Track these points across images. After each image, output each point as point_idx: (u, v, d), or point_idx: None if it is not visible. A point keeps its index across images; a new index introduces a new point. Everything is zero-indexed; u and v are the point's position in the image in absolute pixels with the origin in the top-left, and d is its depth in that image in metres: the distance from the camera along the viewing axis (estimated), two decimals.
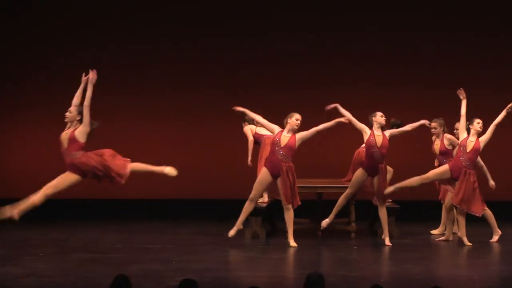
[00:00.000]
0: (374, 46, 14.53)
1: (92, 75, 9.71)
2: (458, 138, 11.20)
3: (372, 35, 14.50)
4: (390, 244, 10.93)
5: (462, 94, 11.08)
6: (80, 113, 9.59)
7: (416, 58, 14.53)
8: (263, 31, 14.60)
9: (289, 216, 10.81)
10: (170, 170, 9.81)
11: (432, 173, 11.18)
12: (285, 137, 10.74)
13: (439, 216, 12.02)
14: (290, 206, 10.77)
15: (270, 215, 12.35)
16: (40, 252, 9.55)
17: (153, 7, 14.76)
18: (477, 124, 11.03)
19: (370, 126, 10.97)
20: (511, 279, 8.67)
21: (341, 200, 11.11)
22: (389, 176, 11.41)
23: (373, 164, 10.94)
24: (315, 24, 14.57)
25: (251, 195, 10.88)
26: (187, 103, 14.71)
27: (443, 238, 11.42)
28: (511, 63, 14.49)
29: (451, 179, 11.11)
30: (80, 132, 9.50)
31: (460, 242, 11.08)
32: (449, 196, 11.44)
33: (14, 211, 9.40)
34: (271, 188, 11.12)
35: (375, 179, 11.00)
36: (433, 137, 11.65)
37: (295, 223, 10.89)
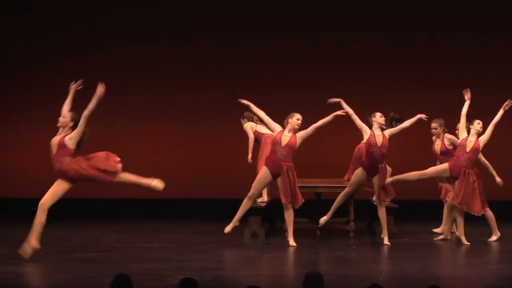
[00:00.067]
0: (374, 46, 14.54)
1: (100, 89, 9.58)
2: (458, 138, 11.24)
3: (372, 35, 14.51)
4: (389, 243, 10.96)
5: (467, 95, 11.13)
6: (74, 119, 9.55)
7: (416, 58, 14.53)
8: (263, 31, 14.61)
9: (289, 215, 10.86)
10: (157, 184, 9.70)
11: (431, 170, 11.22)
12: (286, 136, 10.79)
13: (437, 215, 12.05)
14: (290, 205, 10.81)
15: (269, 215, 12.39)
16: (41, 251, 9.56)
17: (153, 7, 14.77)
18: (477, 124, 11.08)
19: (369, 126, 11.01)
20: (509, 278, 8.68)
21: (339, 198, 11.15)
22: (387, 175, 11.43)
23: (373, 164, 10.98)
24: (315, 24, 14.58)
25: (250, 193, 10.93)
26: (187, 103, 14.72)
27: (441, 237, 11.45)
28: (511, 63, 14.50)
29: (450, 178, 11.15)
30: (70, 139, 9.43)
31: (459, 241, 11.11)
32: (450, 195, 11.53)
33: (32, 242, 9.44)
34: (272, 187, 11.17)
35: (375, 179, 11.04)
36: (434, 138, 11.69)
37: (294, 222, 10.92)
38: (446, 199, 11.59)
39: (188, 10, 14.74)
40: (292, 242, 10.84)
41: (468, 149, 10.97)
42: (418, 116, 11.11)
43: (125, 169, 14.19)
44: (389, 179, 11.07)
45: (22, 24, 14.81)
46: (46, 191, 9.49)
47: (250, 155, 12.06)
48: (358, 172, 11.11)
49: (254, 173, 11.48)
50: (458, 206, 10.95)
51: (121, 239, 11.29)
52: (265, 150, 11.60)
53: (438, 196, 12.01)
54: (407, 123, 11.09)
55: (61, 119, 9.61)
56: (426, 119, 11.16)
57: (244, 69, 14.60)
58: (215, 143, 14.65)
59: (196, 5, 14.77)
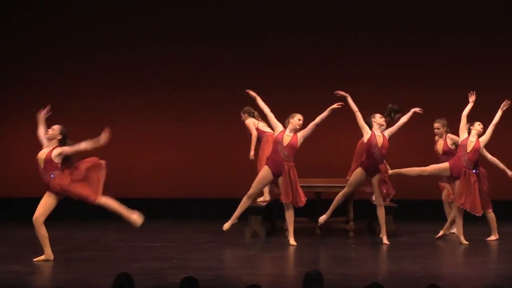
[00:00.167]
0: (374, 46, 14.55)
1: (104, 137, 9.50)
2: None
3: (372, 35, 14.51)
4: (388, 243, 10.98)
5: (472, 97, 11.16)
6: (62, 133, 9.51)
7: (416, 58, 14.54)
8: (263, 31, 14.61)
9: (289, 214, 10.90)
10: (136, 218, 9.57)
11: (431, 167, 11.26)
12: (287, 136, 10.85)
13: (437, 214, 12.06)
14: (291, 205, 10.85)
15: (270, 214, 12.41)
16: (42, 251, 9.57)
17: (153, 7, 14.77)
18: (478, 125, 11.13)
19: (369, 127, 11.03)
20: (509, 277, 8.70)
21: (338, 197, 11.18)
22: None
23: (373, 164, 11.01)
24: (315, 24, 14.59)
25: (250, 192, 10.96)
26: (187, 103, 14.73)
27: (440, 234, 11.48)
28: (511, 63, 14.51)
29: (450, 178, 11.17)
30: (58, 155, 9.41)
31: (458, 240, 11.13)
32: (445, 193, 11.60)
33: (47, 253, 9.49)
34: (274, 186, 11.20)
35: (374, 179, 11.07)
36: (436, 137, 11.72)
37: (294, 222, 10.95)
38: (452, 197, 11.49)
39: (188, 10, 14.75)
40: (292, 241, 10.87)
41: (469, 149, 11.00)
42: (413, 110, 11.14)
43: (125, 169, 14.39)
44: (389, 172, 11.11)
45: (22, 24, 14.82)
46: (46, 191, 9.50)
47: (252, 152, 12.02)
48: (358, 172, 11.14)
49: (254, 173, 11.49)
50: (461, 206, 10.97)
51: (122, 238, 11.30)
52: (266, 149, 11.61)
53: (437, 195, 12.02)
54: (404, 119, 11.11)
55: (50, 131, 9.56)
56: (420, 112, 11.17)
57: (244, 69, 14.61)
58: (215, 143, 14.66)
59: (196, 5, 14.77)
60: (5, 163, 14.68)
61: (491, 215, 11.27)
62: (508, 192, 12.85)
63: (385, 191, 11.07)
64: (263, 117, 11.62)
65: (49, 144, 9.55)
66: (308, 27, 14.59)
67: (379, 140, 10.98)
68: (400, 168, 11.26)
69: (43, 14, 14.80)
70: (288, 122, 10.92)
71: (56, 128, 9.56)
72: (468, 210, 10.99)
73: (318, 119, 10.86)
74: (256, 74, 14.60)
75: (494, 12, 14.47)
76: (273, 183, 11.11)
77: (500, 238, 11.34)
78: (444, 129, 11.63)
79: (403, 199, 12.17)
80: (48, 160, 9.40)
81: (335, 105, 10.86)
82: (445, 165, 11.17)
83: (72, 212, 13.51)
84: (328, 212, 11.22)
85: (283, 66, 14.62)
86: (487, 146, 11.23)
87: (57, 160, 9.41)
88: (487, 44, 14.48)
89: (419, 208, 13.28)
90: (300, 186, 10.99)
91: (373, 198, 11.33)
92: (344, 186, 11.22)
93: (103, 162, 9.58)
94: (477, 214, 11.07)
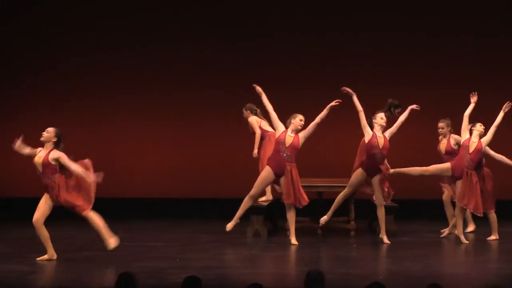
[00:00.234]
0: (374, 46, 14.56)
1: (95, 178, 9.39)
2: None
3: (372, 35, 14.52)
4: (389, 242, 10.99)
5: (473, 98, 11.17)
6: (57, 135, 9.46)
7: (416, 58, 14.55)
8: (263, 31, 14.62)
9: (291, 214, 10.91)
10: (112, 242, 9.56)
11: (433, 167, 11.27)
12: (289, 137, 10.87)
13: (438, 214, 12.06)
14: (292, 205, 10.86)
15: (271, 214, 12.41)
16: (42, 250, 9.57)
17: (153, 7, 14.78)
18: (480, 126, 11.14)
19: (370, 127, 11.03)
20: (509, 277, 8.70)
21: (339, 198, 11.18)
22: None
23: (373, 165, 11.02)
24: (315, 24, 14.59)
25: (252, 192, 10.97)
26: (187, 103, 14.74)
27: (446, 232, 11.50)
28: (511, 63, 14.52)
29: (451, 178, 11.18)
30: (54, 160, 9.38)
31: (458, 240, 11.13)
32: (446, 194, 11.60)
33: (50, 253, 9.52)
34: (277, 186, 11.21)
35: (374, 179, 11.07)
36: (440, 137, 11.73)
37: (296, 221, 10.96)
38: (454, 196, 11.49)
39: (188, 10, 14.76)
40: (294, 240, 10.88)
41: (471, 150, 11.00)
42: (410, 107, 11.15)
43: (125, 169, 14.40)
44: (391, 171, 11.12)
45: (22, 24, 14.82)
46: (45, 192, 9.51)
47: (255, 150, 11.92)
48: (358, 173, 11.15)
49: (254, 172, 11.49)
50: (464, 207, 10.99)
51: (123, 238, 11.26)
52: (268, 148, 11.60)
53: (438, 195, 12.02)
54: (402, 117, 11.10)
55: (44, 134, 9.50)
56: (417, 109, 11.17)
57: (244, 69, 14.60)
58: (215, 143, 14.66)
59: (196, 5, 14.78)
60: (5, 163, 14.66)
61: (492, 215, 11.28)
62: (508, 192, 12.87)
63: (386, 189, 11.08)
64: (265, 115, 11.60)
65: (44, 147, 9.52)
66: (308, 27, 14.59)
67: (380, 141, 10.98)
68: (401, 167, 11.28)
69: (43, 14, 14.80)
70: (290, 123, 10.93)
71: (50, 130, 9.51)
72: (471, 211, 11.00)
73: (318, 119, 10.88)
74: (256, 74, 14.56)
75: (494, 12, 14.48)
76: (275, 183, 11.13)
77: (501, 238, 11.35)
78: (448, 129, 11.65)
79: (404, 199, 12.18)
80: (46, 163, 9.39)
81: (333, 103, 10.87)
82: (447, 165, 11.18)
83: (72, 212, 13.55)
84: (329, 213, 11.22)
85: (283, 66, 14.62)
86: (488, 146, 11.22)
87: (54, 163, 9.40)
88: (487, 44, 14.49)
89: (420, 208, 13.28)
90: (302, 186, 11.00)
91: (374, 198, 11.33)
92: (346, 186, 11.22)
93: (93, 176, 9.44)
94: (478, 215, 11.08)
